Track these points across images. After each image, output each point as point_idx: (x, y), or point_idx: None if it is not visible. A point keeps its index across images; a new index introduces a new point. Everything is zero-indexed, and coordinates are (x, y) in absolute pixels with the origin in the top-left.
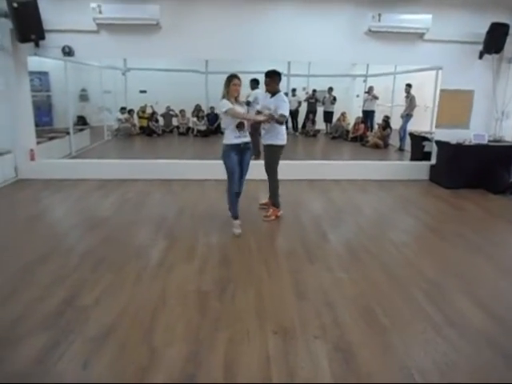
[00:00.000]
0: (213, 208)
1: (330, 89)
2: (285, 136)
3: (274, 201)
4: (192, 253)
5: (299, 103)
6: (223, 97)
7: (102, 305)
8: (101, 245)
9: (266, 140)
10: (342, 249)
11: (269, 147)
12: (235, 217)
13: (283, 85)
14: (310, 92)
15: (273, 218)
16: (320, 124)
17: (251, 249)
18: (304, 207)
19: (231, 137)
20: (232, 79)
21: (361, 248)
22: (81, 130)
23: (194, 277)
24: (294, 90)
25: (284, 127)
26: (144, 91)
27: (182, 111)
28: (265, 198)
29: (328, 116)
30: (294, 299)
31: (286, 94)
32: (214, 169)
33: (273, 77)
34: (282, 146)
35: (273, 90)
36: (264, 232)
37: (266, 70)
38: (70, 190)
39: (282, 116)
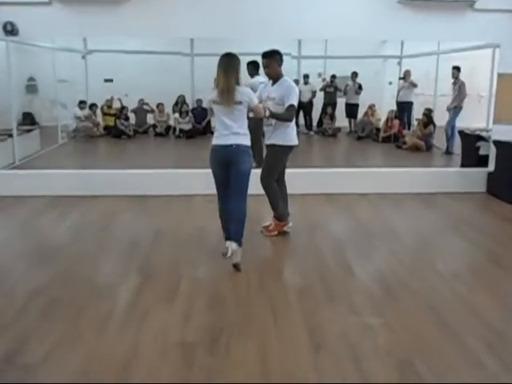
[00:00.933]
0: (201, 232)
1: (354, 74)
2: (295, 135)
3: (277, 214)
4: (173, 292)
5: (313, 93)
6: (237, 83)
7: (53, 362)
8: (53, 282)
9: (271, 139)
10: (372, 284)
11: (273, 148)
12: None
13: (292, 70)
14: (328, 79)
15: (275, 233)
16: (341, 120)
17: (252, 285)
18: (321, 229)
19: None
20: (239, 62)
21: (397, 283)
22: (28, 130)
23: (177, 324)
24: (306, 77)
25: (294, 124)
26: (110, 80)
27: (159, 105)
28: (269, 219)
29: (352, 110)
30: (308, 352)
31: (297, 82)
32: (204, 180)
33: (272, 57)
34: (290, 148)
35: (274, 74)
36: (269, 263)
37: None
38: (14, 210)
39: (290, 108)
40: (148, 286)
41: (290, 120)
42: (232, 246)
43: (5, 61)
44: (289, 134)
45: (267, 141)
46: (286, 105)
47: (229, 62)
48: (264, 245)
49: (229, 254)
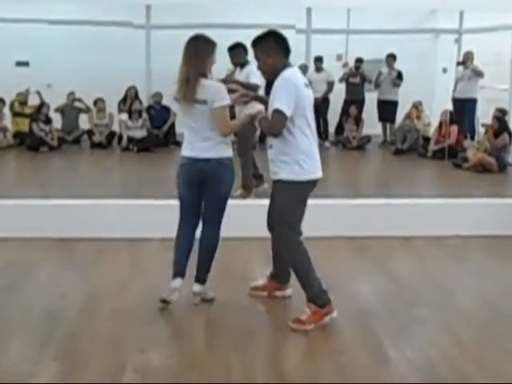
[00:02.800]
0: (155, 296)
1: (391, 57)
2: (314, 160)
3: (311, 294)
4: None
5: (330, 86)
6: (203, 74)
7: None
8: None
9: (275, 172)
10: (415, 378)
11: (281, 185)
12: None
13: (298, 51)
14: (352, 64)
15: (310, 327)
16: (372, 125)
17: (234, 375)
18: (340, 293)
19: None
20: (214, 47)
21: (455, 376)
22: None
23: None
24: (318, 61)
25: (310, 143)
26: (24, 63)
27: (98, 102)
28: (261, 275)
29: (387, 110)
30: None
31: (305, 69)
32: (162, 216)
33: (264, 44)
34: (310, 184)
35: (272, 70)
36: (260, 342)
37: (261, 21)
38: None
39: (273, 115)
40: (73, 378)
41: (273, 133)
42: (195, 287)
43: None
44: (300, 161)
45: (270, 173)
46: (270, 111)
47: (196, 47)
48: (253, 316)
49: (173, 298)
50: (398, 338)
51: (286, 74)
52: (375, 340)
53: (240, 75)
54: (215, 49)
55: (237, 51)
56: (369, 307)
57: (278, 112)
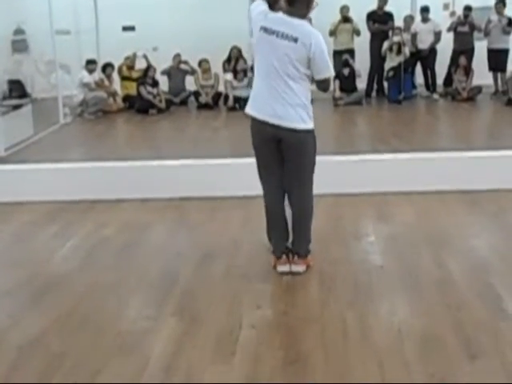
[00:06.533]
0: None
1: (501, 4)
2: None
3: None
4: (229, 344)
5: (437, 36)
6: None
7: None
8: (54, 330)
9: None
10: None
11: None
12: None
13: (403, 1)
14: (460, 13)
15: None
16: (482, 76)
17: (349, 332)
18: (457, 247)
19: None
20: None
21: None
22: (16, 106)
23: None
24: (425, 11)
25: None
26: (131, 28)
27: (202, 63)
28: (373, 231)
29: (498, 59)
30: None
31: (410, 19)
32: None
33: None
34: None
35: None
36: (374, 299)
37: None
38: None
39: None
40: (191, 334)
41: None
42: None
43: None
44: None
45: None
46: None
47: None
48: (367, 271)
49: None
50: None
51: None
52: (494, 295)
53: None
54: None
55: None
56: (485, 262)
57: None
